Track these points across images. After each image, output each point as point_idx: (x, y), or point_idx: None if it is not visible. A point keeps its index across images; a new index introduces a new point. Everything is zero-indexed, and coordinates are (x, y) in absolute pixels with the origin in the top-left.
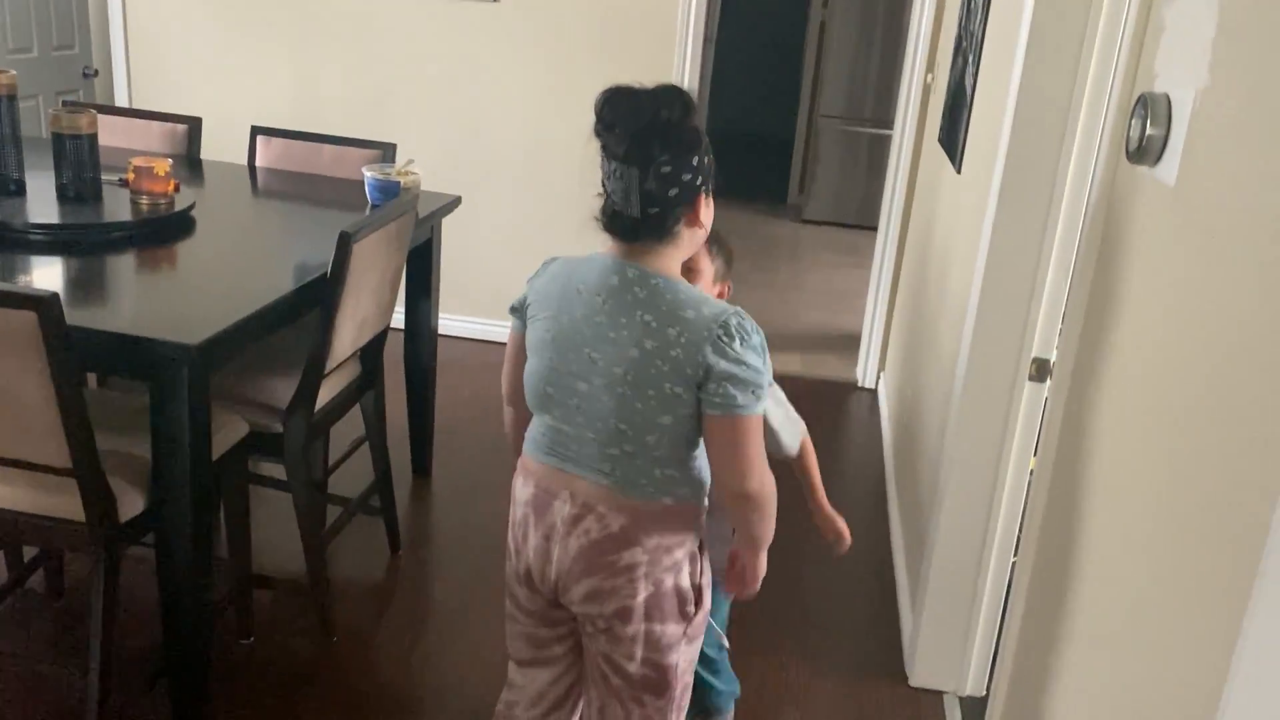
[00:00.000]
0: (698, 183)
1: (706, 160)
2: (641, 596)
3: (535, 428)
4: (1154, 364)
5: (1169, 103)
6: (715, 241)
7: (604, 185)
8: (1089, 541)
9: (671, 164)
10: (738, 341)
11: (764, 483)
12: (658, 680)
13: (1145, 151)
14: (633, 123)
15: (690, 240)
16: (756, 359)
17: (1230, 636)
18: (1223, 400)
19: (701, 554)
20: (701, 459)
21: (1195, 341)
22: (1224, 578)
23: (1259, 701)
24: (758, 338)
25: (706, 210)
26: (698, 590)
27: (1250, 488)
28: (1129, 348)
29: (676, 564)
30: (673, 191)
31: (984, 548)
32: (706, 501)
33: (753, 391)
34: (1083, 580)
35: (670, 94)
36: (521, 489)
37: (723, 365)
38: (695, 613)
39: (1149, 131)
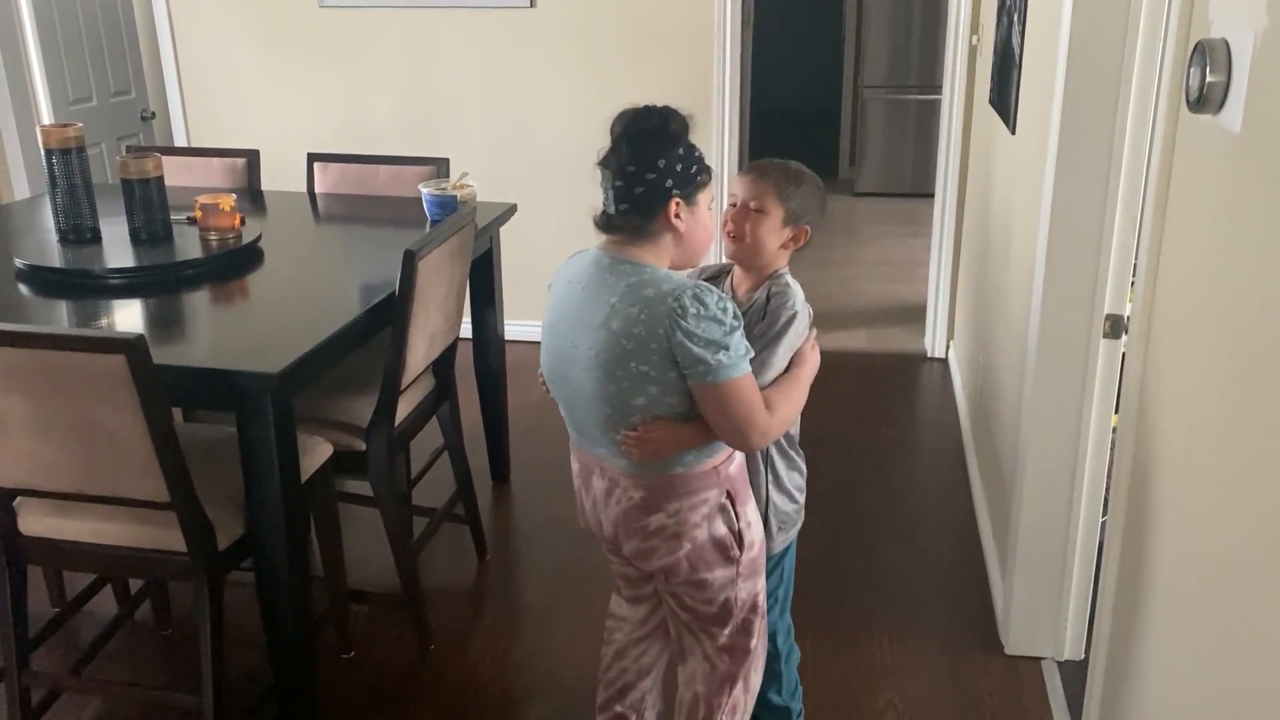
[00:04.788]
0: (666, 184)
1: (679, 167)
2: (681, 553)
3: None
4: (1228, 315)
5: (1228, 48)
6: (792, 179)
7: None
8: (1177, 495)
9: (635, 164)
10: (693, 312)
11: (766, 430)
12: (718, 613)
13: (1207, 100)
14: (616, 131)
15: (675, 244)
16: (715, 326)
17: None
18: None
19: (736, 501)
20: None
21: (1270, 290)
22: None
23: None
24: (715, 304)
25: (688, 215)
26: (737, 535)
27: None
28: (1203, 299)
29: (705, 518)
30: (638, 189)
31: (1071, 508)
32: (724, 454)
33: (721, 354)
34: (1175, 533)
35: (656, 110)
36: (574, 462)
37: (682, 338)
38: (741, 554)
39: (1209, 79)
